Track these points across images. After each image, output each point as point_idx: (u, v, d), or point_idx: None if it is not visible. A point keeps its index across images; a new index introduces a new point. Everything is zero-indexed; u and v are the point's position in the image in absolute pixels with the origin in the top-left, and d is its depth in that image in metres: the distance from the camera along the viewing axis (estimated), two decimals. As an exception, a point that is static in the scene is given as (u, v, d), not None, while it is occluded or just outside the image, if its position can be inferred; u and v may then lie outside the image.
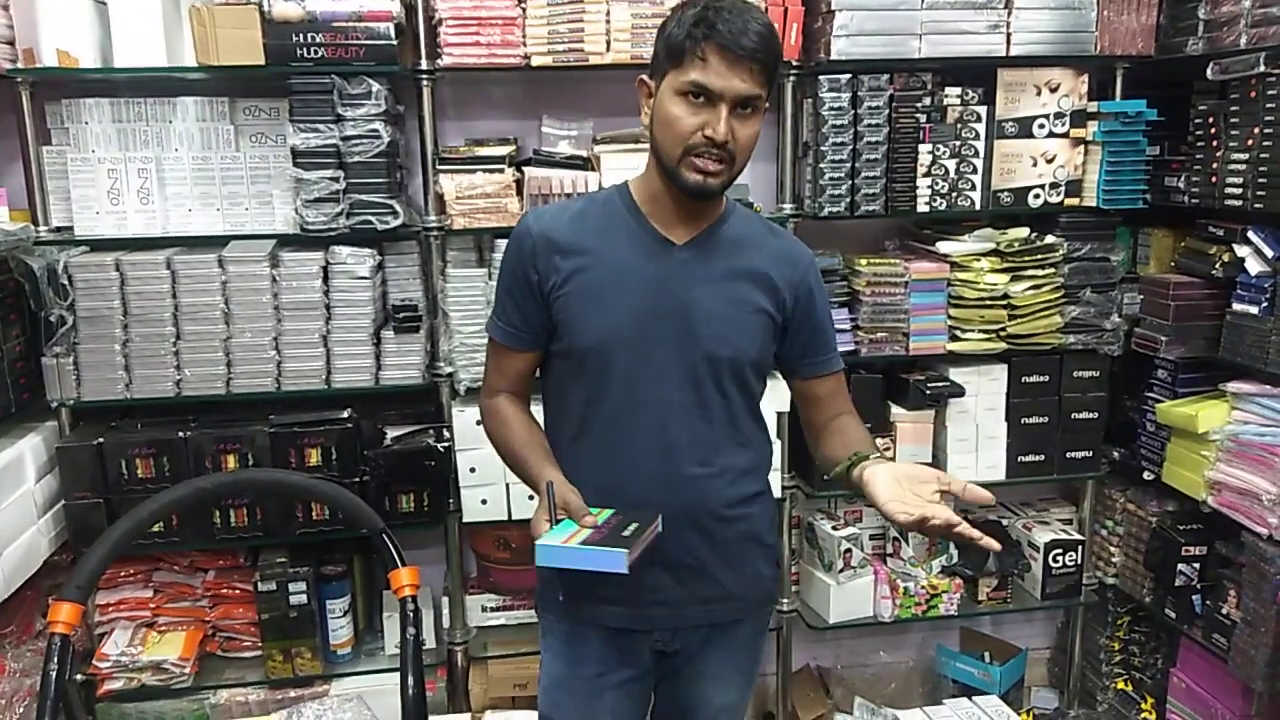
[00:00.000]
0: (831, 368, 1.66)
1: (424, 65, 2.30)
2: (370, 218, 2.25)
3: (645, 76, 1.49)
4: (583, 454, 1.55)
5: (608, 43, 2.30)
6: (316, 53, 2.16)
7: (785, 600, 2.67)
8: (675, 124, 1.41)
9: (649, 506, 1.48)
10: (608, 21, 2.28)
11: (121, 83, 2.29)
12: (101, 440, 2.25)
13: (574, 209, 1.57)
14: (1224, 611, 2.37)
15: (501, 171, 2.31)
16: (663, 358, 1.50)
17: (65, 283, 2.20)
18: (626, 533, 1.38)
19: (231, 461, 2.29)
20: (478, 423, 2.21)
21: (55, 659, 1.51)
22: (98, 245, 2.28)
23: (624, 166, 2.33)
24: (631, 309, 1.49)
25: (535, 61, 2.28)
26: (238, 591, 2.45)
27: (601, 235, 1.52)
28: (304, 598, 2.37)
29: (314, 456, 2.32)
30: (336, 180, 2.22)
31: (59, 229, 2.29)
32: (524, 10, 2.25)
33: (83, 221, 2.26)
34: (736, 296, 1.53)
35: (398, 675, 1.75)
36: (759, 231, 1.60)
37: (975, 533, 1.29)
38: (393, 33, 2.18)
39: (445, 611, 2.57)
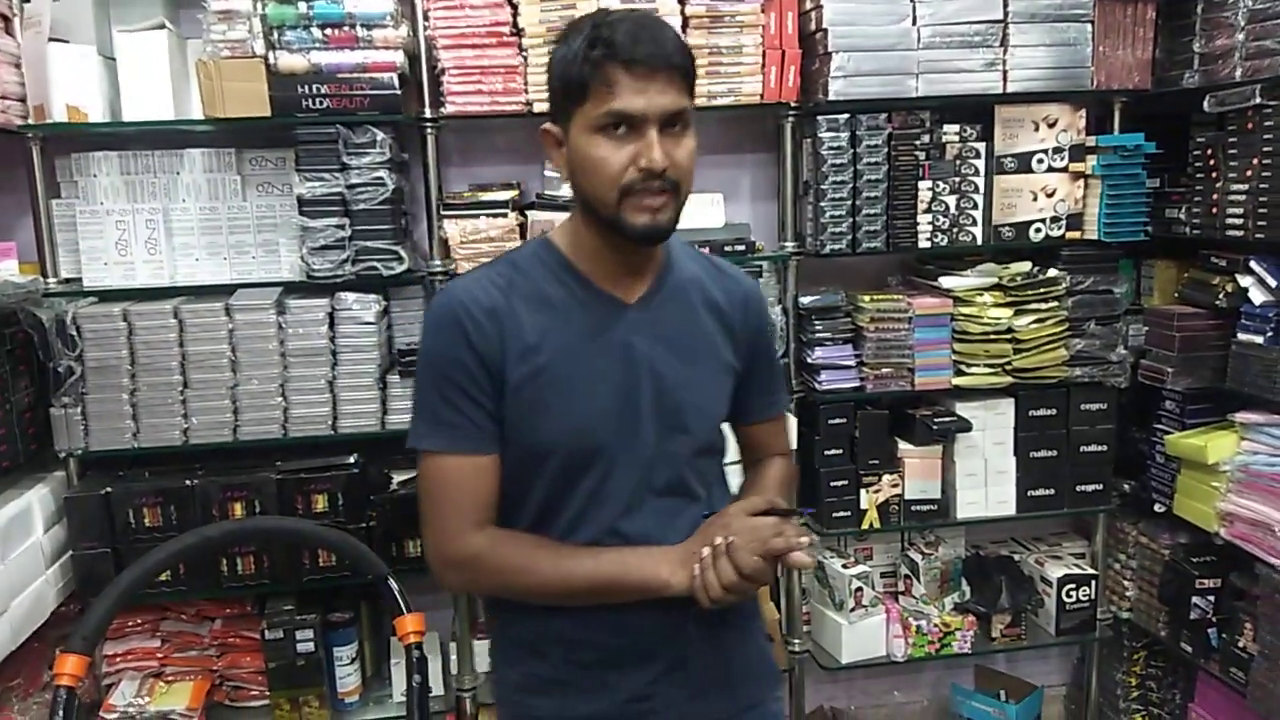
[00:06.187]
0: (779, 409, 1.53)
1: (427, 114, 2.32)
2: (375, 263, 2.27)
3: (548, 125, 1.30)
4: None
5: (608, 88, 2.33)
6: (322, 103, 2.19)
7: (797, 641, 2.65)
8: (602, 166, 1.20)
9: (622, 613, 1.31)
10: (608, 67, 2.31)
11: (130, 136, 2.32)
12: (109, 490, 2.25)
13: (499, 280, 1.30)
14: (1240, 644, 2.34)
15: (505, 216, 2.33)
16: (640, 439, 1.30)
17: (73, 333, 2.21)
18: None
19: (238, 509, 2.29)
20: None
21: (61, 712, 1.51)
22: (106, 296, 2.30)
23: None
24: (598, 390, 1.28)
25: (538, 108, 2.30)
26: (245, 640, 2.43)
27: (540, 307, 1.29)
28: (311, 645, 2.36)
29: (320, 502, 2.31)
30: (342, 228, 2.23)
31: (67, 280, 2.31)
32: (526, 59, 2.28)
33: (91, 273, 2.28)
34: (703, 354, 1.35)
35: (406, 723, 1.74)
36: (704, 269, 1.41)
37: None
38: (396, 83, 2.21)
39: (453, 657, 2.55)
